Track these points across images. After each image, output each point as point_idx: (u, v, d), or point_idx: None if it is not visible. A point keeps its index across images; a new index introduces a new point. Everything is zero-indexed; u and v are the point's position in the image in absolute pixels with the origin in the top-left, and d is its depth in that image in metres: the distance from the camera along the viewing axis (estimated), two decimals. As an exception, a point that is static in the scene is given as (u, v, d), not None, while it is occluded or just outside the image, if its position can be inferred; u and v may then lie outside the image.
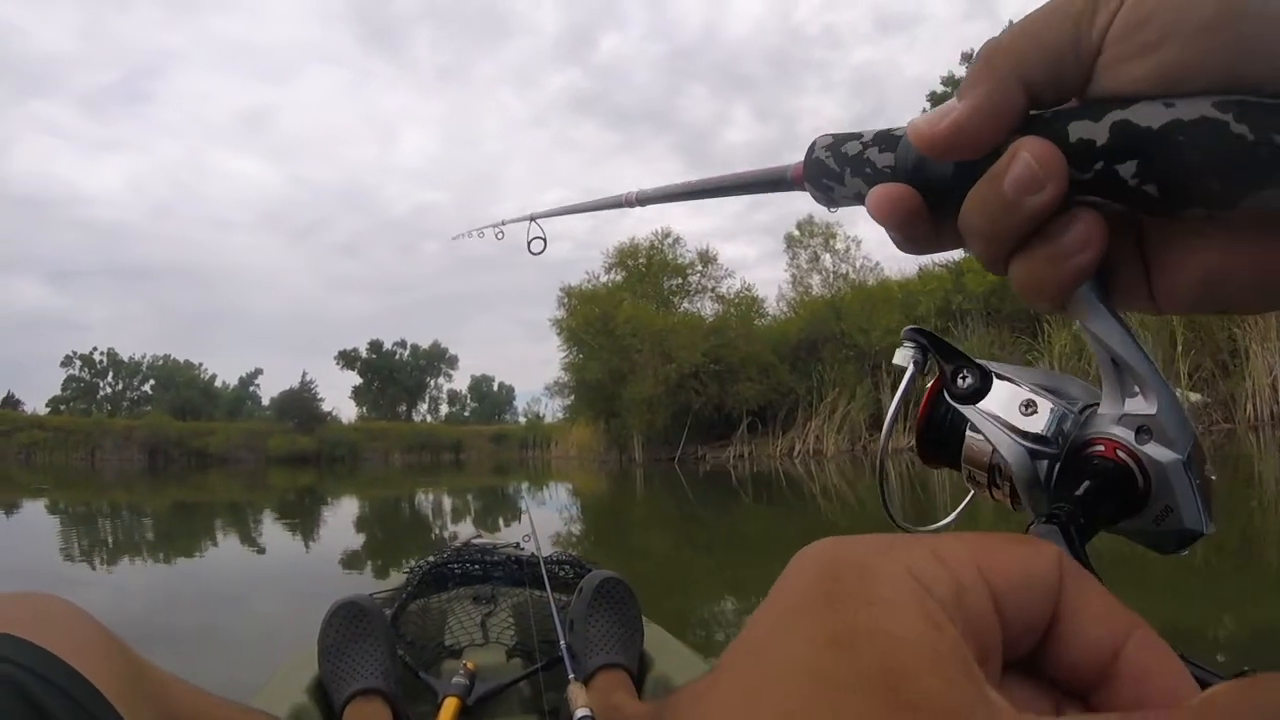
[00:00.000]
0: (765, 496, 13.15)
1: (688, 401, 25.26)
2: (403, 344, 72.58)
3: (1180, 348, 15.42)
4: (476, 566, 2.38)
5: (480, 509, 14.35)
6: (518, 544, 2.55)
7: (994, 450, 0.38)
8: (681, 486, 16.25)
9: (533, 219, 1.17)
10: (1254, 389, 13.95)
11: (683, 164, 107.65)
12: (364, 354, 70.50)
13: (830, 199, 0.44)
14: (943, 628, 0.20)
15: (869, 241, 30.20)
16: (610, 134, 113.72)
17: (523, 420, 65.60)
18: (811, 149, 0.44)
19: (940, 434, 0.42)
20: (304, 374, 56.81)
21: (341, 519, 13.20)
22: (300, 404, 54.04)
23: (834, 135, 0.43)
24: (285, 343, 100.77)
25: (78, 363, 65.70)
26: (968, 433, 0.40)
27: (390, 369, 70.82)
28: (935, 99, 35.99)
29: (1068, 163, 0.31)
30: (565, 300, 29.74)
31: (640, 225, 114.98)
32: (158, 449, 47.40)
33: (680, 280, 30.97)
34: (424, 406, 74.50)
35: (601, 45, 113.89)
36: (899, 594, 0.21)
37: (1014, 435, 0.38)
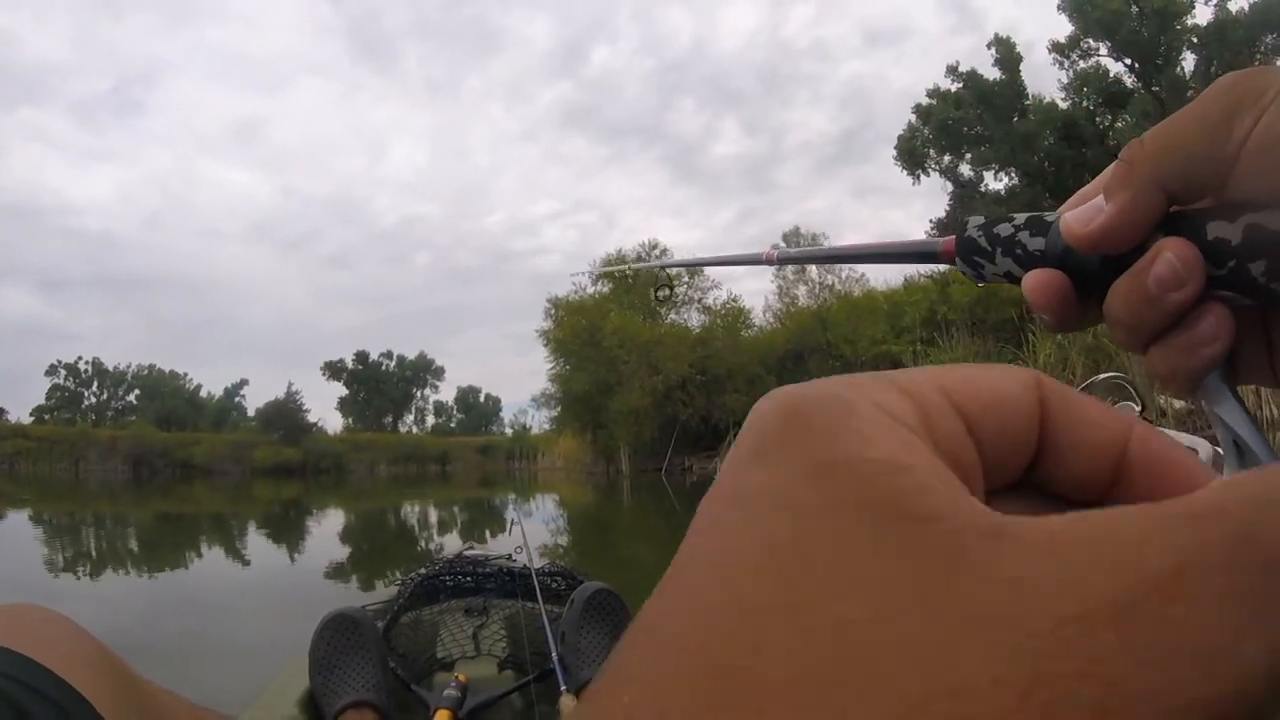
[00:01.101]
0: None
1: (674, 413, 25.30)
2: (389, 355, 72.47)
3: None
4: (468, 578, 2.38)
5: (468, 521, 14.32)
6: (509, 555, 2.55)
7: None
8: (669, 497, 16.24)
9: (662, 268, 1.20)
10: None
11: (670, 176, 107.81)
12: (350, 365, 70.32)
13: (980, 275, 0.46)
14: (916, 449, 0.20)
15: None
16: (600, 148, 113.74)
17: (509, 432, 65.54)
18: (963, 227, 0.47)
19: None
20: (290, 385, 56.55)
21: (329, 531, 13.16)
22: (286, 415, 53.81)
23: (985, 217, 0.46)
24: (271, 353, 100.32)
25: (63, 372, 65.28)
26: None
27: (376, 380, 70.64)
28: (920, 112, 36.16)
29: (1204, 262, 0.34)
30: (552, 311, 29.77)
31: (628, 236, 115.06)
32: (142, 459, 47.14)
33: (667, 292, 31.00)
34: (410, 418, 74.40)
35: (592, 59, 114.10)
36: (867, 424, 0.21)
37: None
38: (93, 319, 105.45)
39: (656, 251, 31.59)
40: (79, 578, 7.16)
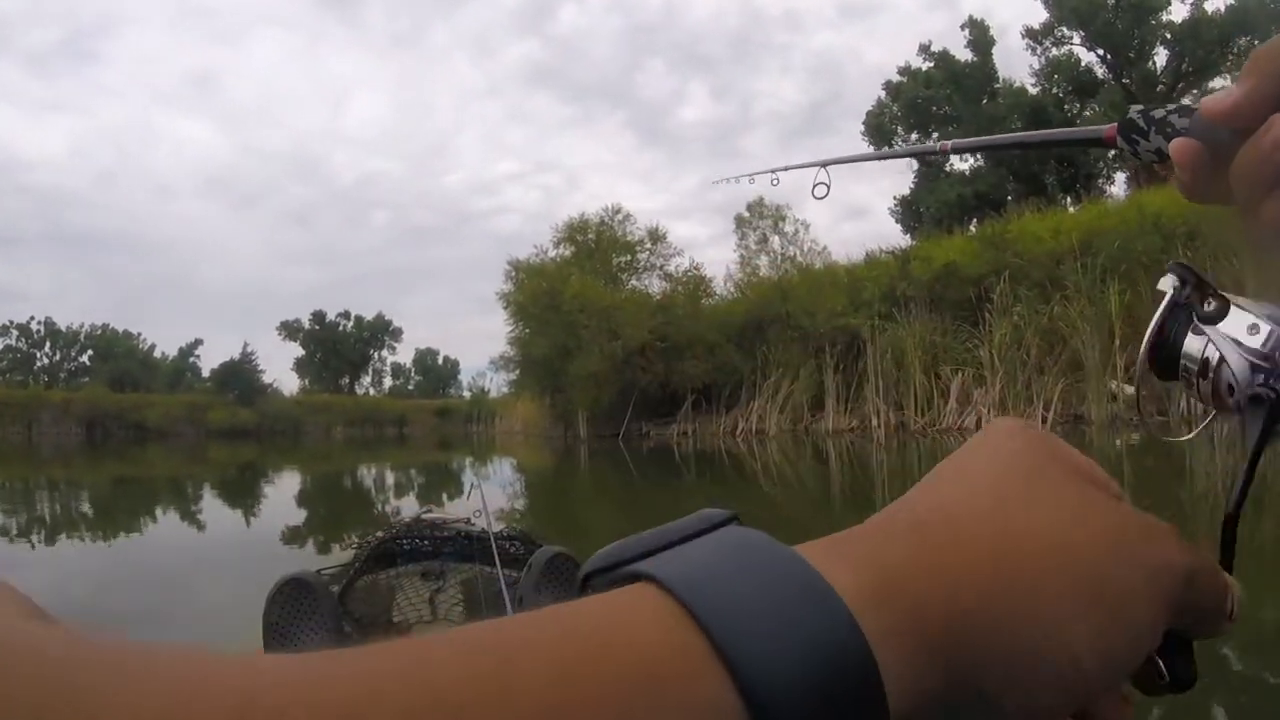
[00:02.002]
0: (708, 473, 13.24)
1: (633, 378, 25.33)
2: (346, 315, 71.76)
3: (1118, 342, 15.75)
4: (426, 542, 2.36)
5: (425, 485, 14.28)
6: (468, 519, 2.54)
7: (1208, 347, 0.47)
8: (626, 463, 16.30)
9: (824, 165, 1.16)
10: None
11: (636, 140, 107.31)
12: (307, 325, 69.60)
13: (1135, 152, 0.55)
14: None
15: (817, 225, 30.45)
16: (565, 108, 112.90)
17: (468, 395, 65.33)
18: (1126, 112, 0.55)
19: (1166, 343, 0.50)
20: (245, 345, 55.93)
21: (285, 495, 13.07)
22: (241, 376, 53.29)
23: (1144, 106, 0.54)
24: (227, 313, 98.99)
25: (14, 332, 64.06)
26: (1189, 335, 0.49)
27: (333, 341, 69.98)
28: (890, 88, 36.25)
29: None
30: (513, 274, 29.59)
31: (591, 201, 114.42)
32: (95, 422, 46.50)
33: (629, 257, 30.93)
34: (367, 379, 73.89)
35: (561, 16, 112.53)
36: (1069, 450, 0.36)
37: (1240, 350, 0.47)
38: (44, 278, 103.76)
39: (620, 217, 31.42)
40: (33, 546, 7.06)
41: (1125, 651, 0.31)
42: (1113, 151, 0.59)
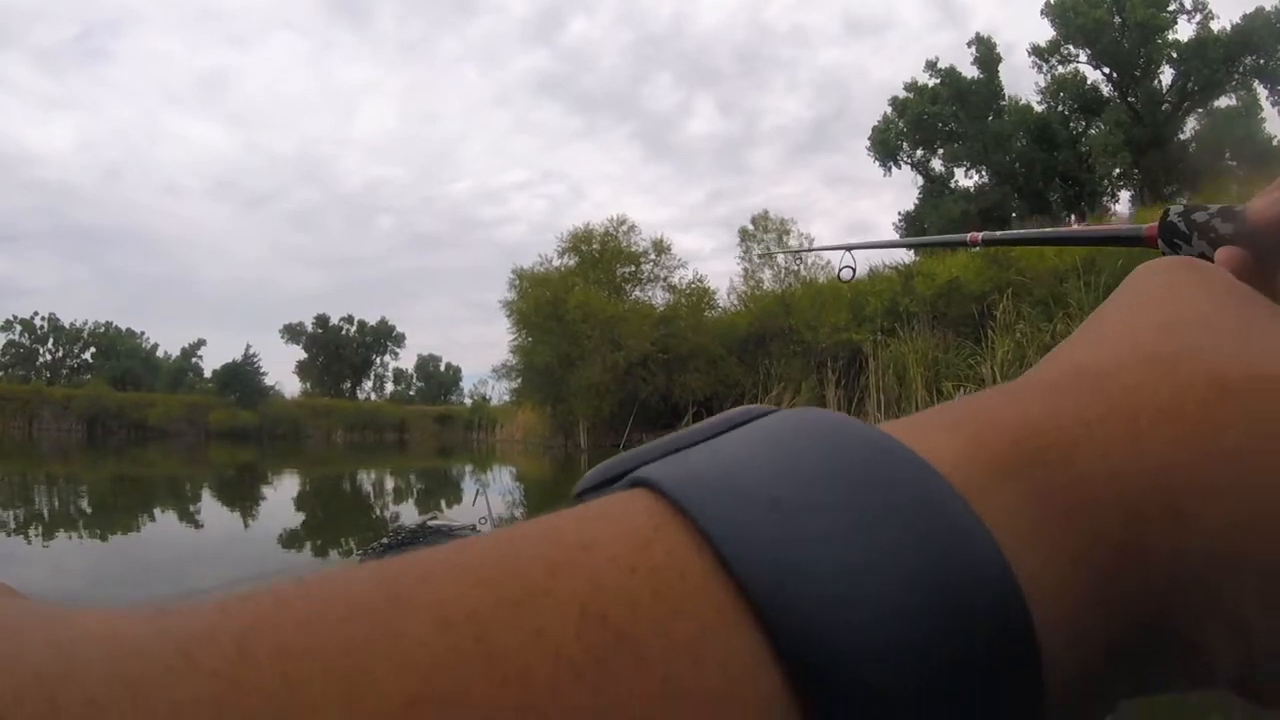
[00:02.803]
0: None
1: (635, 390, 25.35)
2: (350, 320, 71.80)
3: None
4: None
5: (425, 491, 14.30)
6: (474, 526, 2.56)
7: None
8: (626, 474, 16.28)
9: (849, 249, 1.22)
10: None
11: (642, 152, 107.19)
12: (310, 328, 69.66)
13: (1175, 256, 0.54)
14: None
15: (822, 239, 30.46)
16: (572, 119, 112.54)
17: (469, 402, 65.29)
18: (1166, 214, 0.54)
19: None
20: (248, 347, 55.93)
21: (284, 497, 13.09)
22: (243, 378, 53.29)
23: (1184, 205, 0.53)
24: (230, 314, 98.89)
25: (17, 327, 64.13)
26: None
27: (336, 345, 70.02)
28: (896, 104, 36.33)
29: None
30: (516, 283, 29.63)
31: (596, 211, 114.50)
32: (96, 419, 46.53)
33: (633, 268, 30.97)
34: (369, 384, 73.89)
35: (570, 28, 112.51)
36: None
37: None
38: (49, 274, 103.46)
39: (624, 228, 31.49)
40: (30, 542, 7.08)
41: None
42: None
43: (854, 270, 1.21)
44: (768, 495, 0.16)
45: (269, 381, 56.50)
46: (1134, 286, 0.27)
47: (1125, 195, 33.01)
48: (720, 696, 0.14)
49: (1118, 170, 31.72)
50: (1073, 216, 30.79)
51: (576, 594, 0.14)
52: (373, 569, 0.15)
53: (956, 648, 0.15)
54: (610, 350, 25.36)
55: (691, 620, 0.14)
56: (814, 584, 0.15)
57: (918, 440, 0.18)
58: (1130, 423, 0.19)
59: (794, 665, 0.14)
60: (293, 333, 69.07)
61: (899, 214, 37.73)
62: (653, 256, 31.16)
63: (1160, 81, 32.09)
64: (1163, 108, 31.62)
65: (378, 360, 73.95)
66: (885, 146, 36.41)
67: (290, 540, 7.15)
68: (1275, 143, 28.88)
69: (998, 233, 0.92)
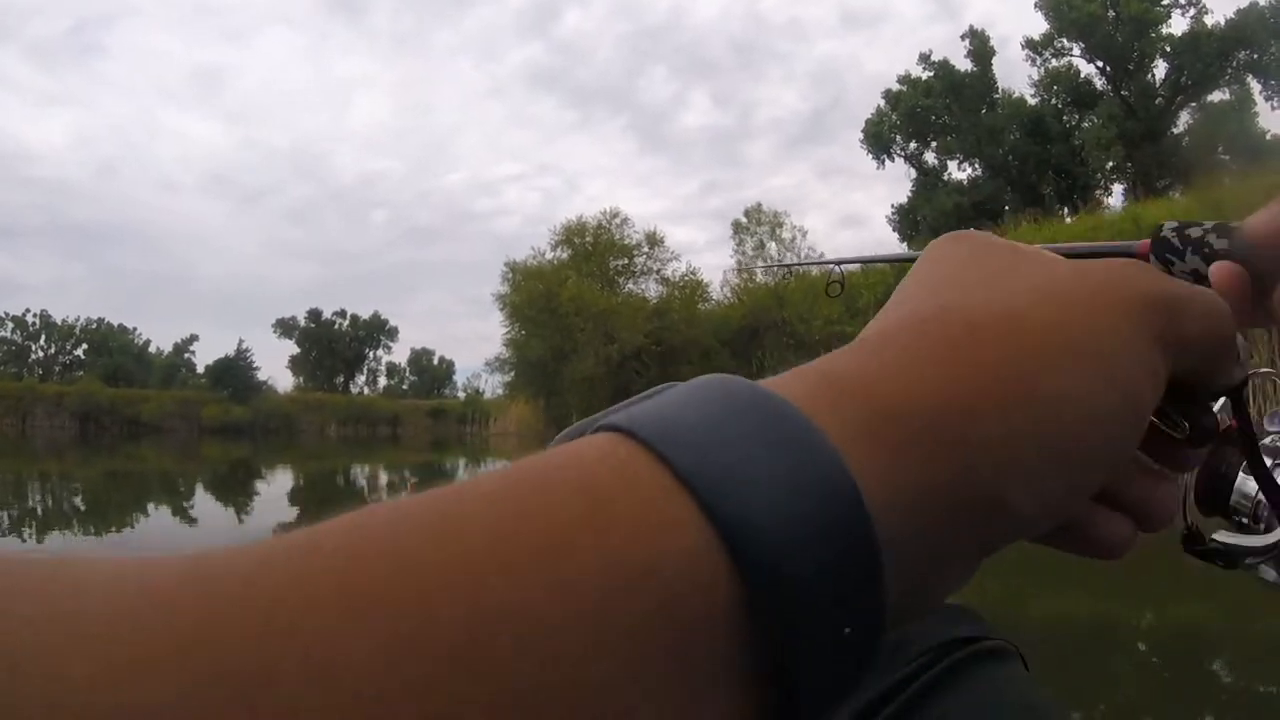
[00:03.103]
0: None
1: (628, 382, 25.34)
2: (343, 314, 71.61)
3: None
4: None
5: (420, 485, 14.25)
6: None
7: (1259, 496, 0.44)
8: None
9: (837, 265, 1.23)
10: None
11: (637, 145, 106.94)
12: (303, 323, 69.50)
13: (1169, 272, 0.52)
14: None
15: (815, 233, 30.46)
16: (567, 111, 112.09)
17: (462, 396, 65.21)
18: (1159, 230, 0.54)
19: (1217, 477, 0.47)
20: (240, 342, 55.86)
21: (278, 493, 13.05)
22: (236, 373, 53.22)
23: (1179, 222, 0.53)
24: (223, 309, 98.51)
25: (9, 324, 63.90)
26: (1240, 474, 0.46)
27: (329, 339, 69.85)
28: (890, 97, 36.28)
29: None
30: (510, 276, 29.62)
31: (591, 204, 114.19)
32: (89, 416, 46.42)
33: (626, 261, 30.97)
34: (362, 378, 73.75)
35: (565, 20, 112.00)
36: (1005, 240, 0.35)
37: None
38: (42, 270, 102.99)
39: (617, 220, 31.44)
40: (24, 539, 7.05)
41: (1126, 410, 0.28)
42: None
43: (843, 285, 1.21)
44: (690, 420, 0.22)
45: (262, 376, 56.56)
46: (921, 262, 0.34)
47: (1118, 189, 33.10)
48: (681, 546, 0.20)
49: (1111, 164, 31.76)
50: (1065, 209, 30.81)
51: (578, 480, 0.21)
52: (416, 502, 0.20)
53: (827, 524, 0.21)
54: (604, 343, 25.38)
55: (651, 499, 0.21)
56: (735, 481, 0.21)
57: (780, 388, 0.25)
58: (917, 362, 0.26)
59: (724, 531, 0.20)
60: (285, 327, 68.90)
61: (892, 207, 37.77)
62: (646, 249, 31.20)
63: (1154, 75, 32.11)
64: (1156, 102, 31.65)
65: (371, 354, 73.81)
66: (878, 139, 36.40)
67: (284, 536, 7.10)
68: (1268, 137, 28.91)
69: None
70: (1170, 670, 3.37)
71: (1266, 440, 0.47)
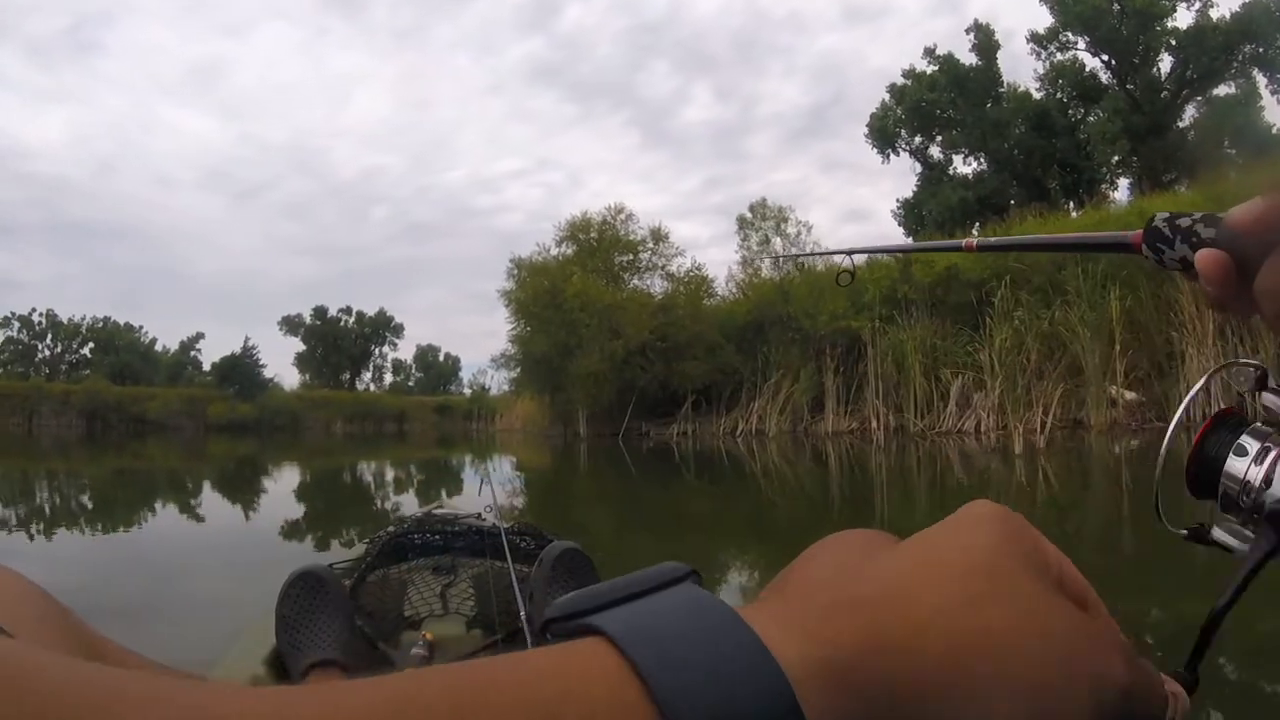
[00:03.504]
0: (707, 474, 13.25)
1: (633, 378, 25.34)
2: (348, 311, 71.74)
3: (1118, 348, 15.78)
4: (437, 537, 2.37)
5: (426, 481, 14.28)
6: (479, 515, 2.55)
7: (1250, 469, 0.47)
8: (625, 462, 16.31)
9: (850, 254, 1.23)
10: (1186, 390, 14.31)
11: (639, 140, 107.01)
12: (308, 320, 69.59)
13: (1160, 260, 0.55)
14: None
15: (820, 228, 30.39)
16: (568, 106, 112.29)
17: (468, 392, 65.23)
18: (1151, 220, 0.56)
19: (1207, 461, 0.51)
20: (246, 339, 55.95)
21: (285, 489, 13.08)
22: (242, 370, 53.26)
23: (1170, 213, 0.55)
24: (228, 307, 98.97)
25: (15, 324, 64.04)
26: (1231, 456, 0.49)
27: (334, 336, 69.95)
28: (894, 91, 36.21)
29: None
30: (514, 272, 29.58)
31: (593, 200, 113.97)
32: (96, 414, 46.50)
33: (631, 257, 30.90)
34: (368, 375, 73.87)
35: (566, 15, 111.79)
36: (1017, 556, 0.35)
37: None
38: (45, 268, 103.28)
39: (622, 216, 31.40)
40: (32, 537, 7.06)
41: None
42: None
43: (853, 274, 1.22)
44: (684, 656, 0.25)
45: (268, 374, 56.55)
46: (965, 530, 0.35)
47: (1124, 183, 33.00)
48: None
49: (1116, 158, 31.65)
50: (1071, 204, 30.71)
51: (545, 703, 0.23)
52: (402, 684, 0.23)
53: None
54: (609, 339, 25.34)
55: None
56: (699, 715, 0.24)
57: (772, 639, 0.28)
58: (900, 657, 0.30)
59: None
60: (291, 325, 69.04)
61: (897, 201, 37.69)
62: (650, 245, 31.10)
63: (1159, 69, 32.01)
64: (1161, 95, 31.54)
65: (376, 351, 73.97)
66: (883, 134, 36.33)
67: (292, 532, 7.14)
68: (1274, 131, 28.80)
69: (992, 238, 0.93)
70: (1173, 665, 3.38)
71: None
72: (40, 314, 65.30)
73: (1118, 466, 10.24)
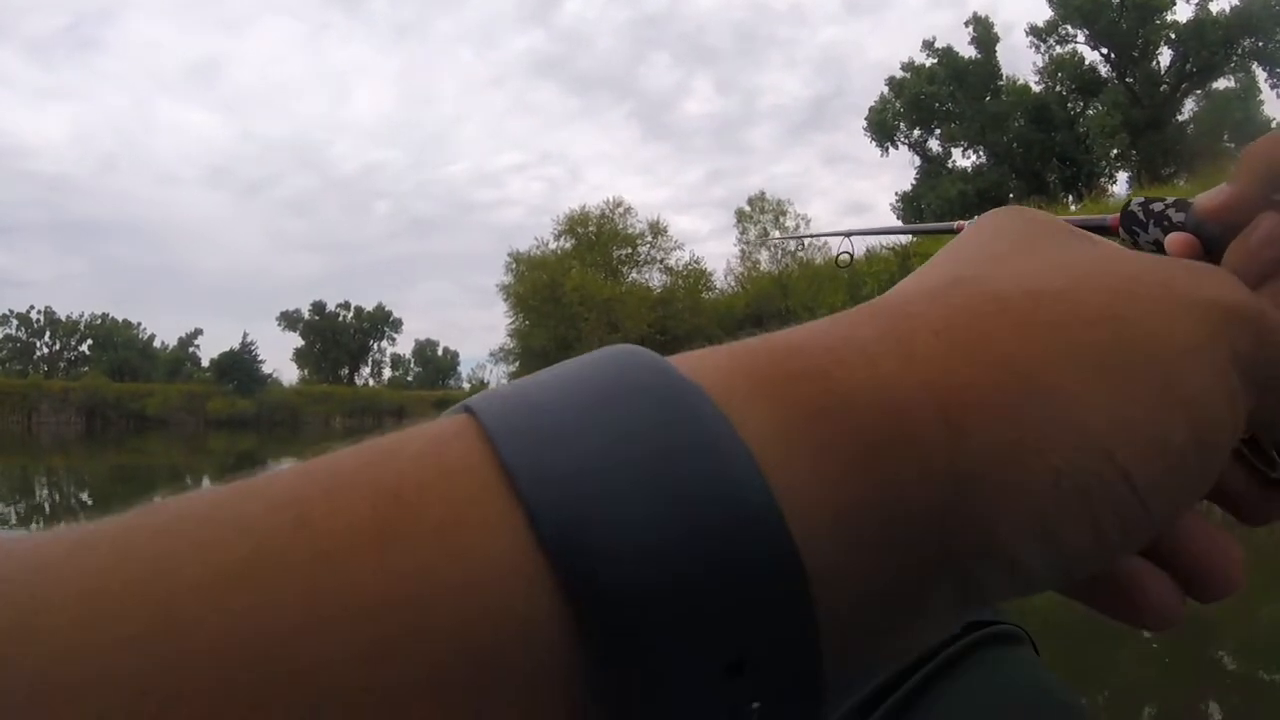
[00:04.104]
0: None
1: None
2: (346, 306, 71.74)
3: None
4: None
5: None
6: None
7: None
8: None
9: (848, 235, 1.23)
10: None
11: (640, 132, 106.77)
12: (307, 315, 69.64)
13: (1136, 242, 0.56)
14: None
15: (819, 221, 30.42)
16: (570, 99, 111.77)
17: (467, 386, 65.30)
18: (1127, 204, 0.58)
19: None
20: (245, 335, 55.93)
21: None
22: (241, 366, 53.31)
23: (1145, 198, 0.56)
24: (226, 303, 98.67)
25: (14, 321, 64.08)
26: None
27: (333, 331, 70.01)
28: (894, 85, 36.20)
29: None
30: (513, 266, 29.64)
31: (594, 193, 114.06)
32: (95, 411, 46.62)
33: (629, 250, 30.99)
34: (366, 370, 73.93)
35: (566, 7, 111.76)
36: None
37: None
38: (45, 266, 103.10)
39: (620, 210, 31.44)
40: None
41: (1194, 439, 0.22)
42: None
43: (852, 256, 1.23)
44: (541, 405, 0.19)
45: (267, 369, 56.61)
46: (958, 238, 0.28)
47: (1123, 176, 33.01)
48: (488, 554, 0.16)
49: (1115, 151, 31.66)
50: (1070, 197, 30.73)
51: (380, 478, 0.18)
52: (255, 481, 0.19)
53: (703, 559, 0.16)
54: (608, 332, 25.41)
55: (466, 498, 0.17)
56: (567, 482, 0.17)
57: (691, 363, 0.20)
58: (899, 341, 0.21)
59: (549, 548, 0.16)
60: (290, 320, 69.06)
61: (896, 194, 37.68)
62: (649, 238, 31.21)
63: (1159, 63, 32.02)
64: (1161, 89, 31.56)
65: (375, 346, 73.96)
66: (882, 127, 36.32)
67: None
68: (1274, 125, 28.82)
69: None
70: (1172, 654, 3.39)
71: None
72: (39, 311, 65.41)
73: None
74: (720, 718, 0.17)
